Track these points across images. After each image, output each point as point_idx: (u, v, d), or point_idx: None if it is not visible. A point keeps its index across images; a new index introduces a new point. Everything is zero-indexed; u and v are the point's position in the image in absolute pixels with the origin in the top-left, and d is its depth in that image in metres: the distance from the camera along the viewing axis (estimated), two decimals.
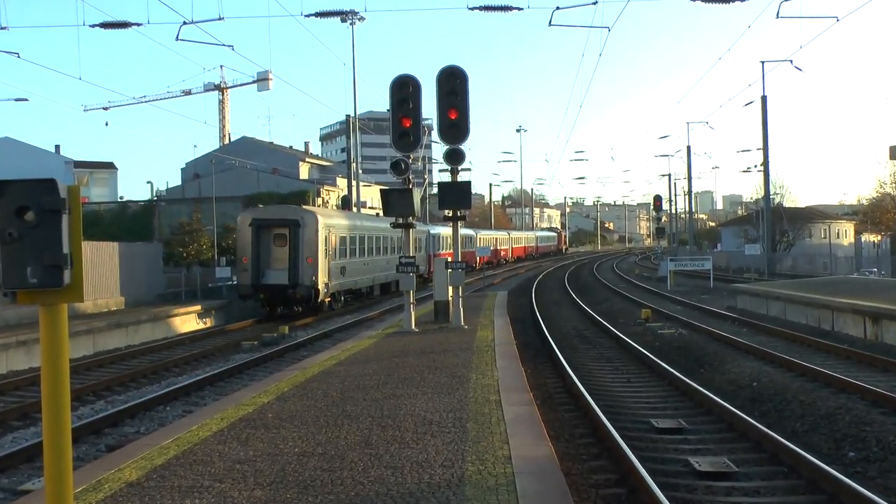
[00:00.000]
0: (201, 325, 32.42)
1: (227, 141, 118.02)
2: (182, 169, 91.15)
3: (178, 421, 11.07)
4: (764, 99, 52.66)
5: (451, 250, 22.03)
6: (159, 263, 37.00)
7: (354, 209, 53.48)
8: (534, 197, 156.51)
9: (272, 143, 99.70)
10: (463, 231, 74.00)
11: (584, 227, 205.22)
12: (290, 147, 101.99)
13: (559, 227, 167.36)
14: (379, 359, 15.98)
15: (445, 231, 58.02)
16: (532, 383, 14.94)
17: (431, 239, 54.09)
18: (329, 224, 33.55)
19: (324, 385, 12.82)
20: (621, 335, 23.70)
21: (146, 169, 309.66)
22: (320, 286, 32.18)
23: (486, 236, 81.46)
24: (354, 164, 56.98)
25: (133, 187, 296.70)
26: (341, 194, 70.59)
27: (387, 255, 41.56)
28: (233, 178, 77.14)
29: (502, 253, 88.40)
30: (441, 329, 21.26)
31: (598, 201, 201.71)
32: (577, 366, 18.75)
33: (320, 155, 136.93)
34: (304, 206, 38.33)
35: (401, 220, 21.09)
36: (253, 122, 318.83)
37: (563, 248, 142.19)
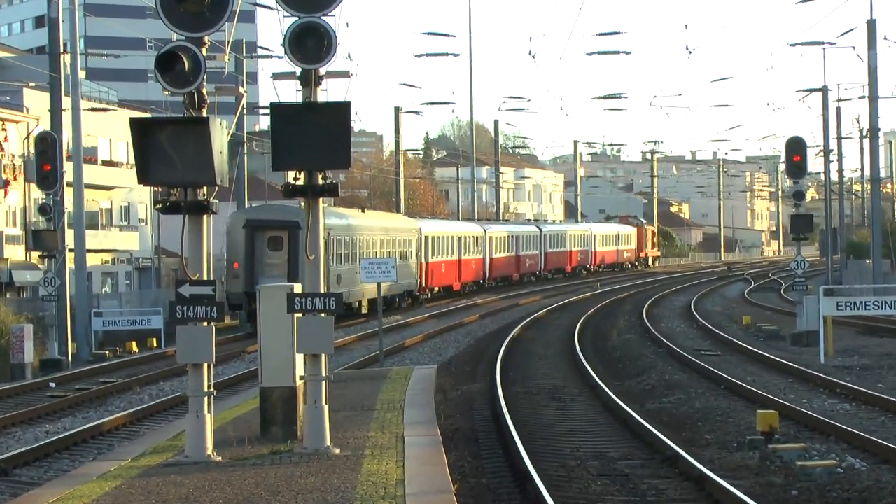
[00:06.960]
0: None
1: None
2: None
3: None
4: None
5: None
6: None
7: (68, 165, 53.59)
8: (500, 142, 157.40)
9: None
10: (448, 227, 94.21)
11: (622, 212, 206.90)
12: None
13: (564, 206, 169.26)
14: None
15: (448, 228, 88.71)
16: None
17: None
18: (329, 225, 56.12)
19: None
20: (708, 472, 23.85)
21: None
22: None
23: (499, 233, 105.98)
24: (68, 57, 56.74)
25: None
26: (35, 128, 70.15)
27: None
28: None
29: (529, 263, 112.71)
30: (275, 457, 21.50)
31: (652, 153, 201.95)
32: None
33: None
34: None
35: (181, 196, 21.22)
36: None
37: (650, 256, 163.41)
